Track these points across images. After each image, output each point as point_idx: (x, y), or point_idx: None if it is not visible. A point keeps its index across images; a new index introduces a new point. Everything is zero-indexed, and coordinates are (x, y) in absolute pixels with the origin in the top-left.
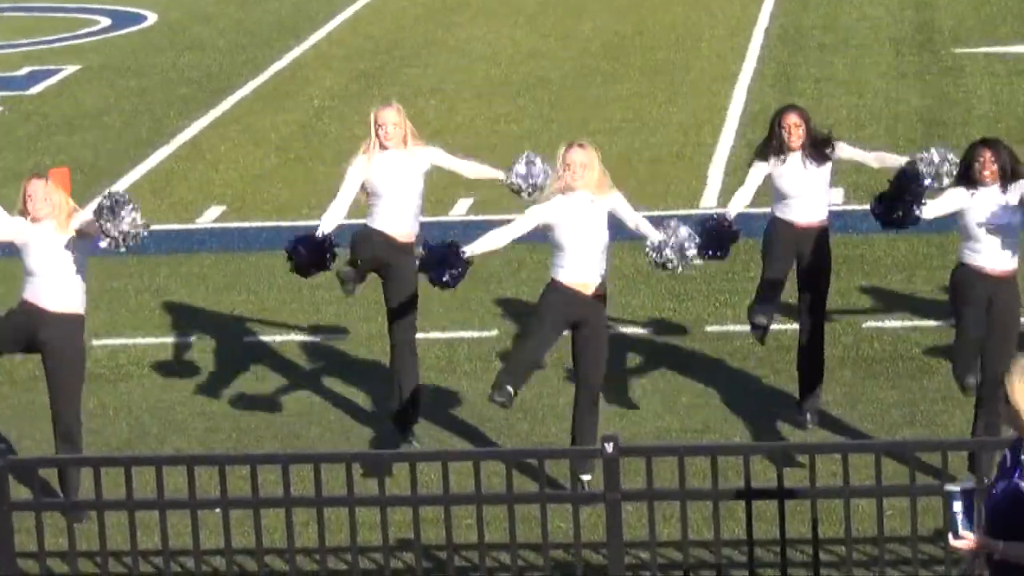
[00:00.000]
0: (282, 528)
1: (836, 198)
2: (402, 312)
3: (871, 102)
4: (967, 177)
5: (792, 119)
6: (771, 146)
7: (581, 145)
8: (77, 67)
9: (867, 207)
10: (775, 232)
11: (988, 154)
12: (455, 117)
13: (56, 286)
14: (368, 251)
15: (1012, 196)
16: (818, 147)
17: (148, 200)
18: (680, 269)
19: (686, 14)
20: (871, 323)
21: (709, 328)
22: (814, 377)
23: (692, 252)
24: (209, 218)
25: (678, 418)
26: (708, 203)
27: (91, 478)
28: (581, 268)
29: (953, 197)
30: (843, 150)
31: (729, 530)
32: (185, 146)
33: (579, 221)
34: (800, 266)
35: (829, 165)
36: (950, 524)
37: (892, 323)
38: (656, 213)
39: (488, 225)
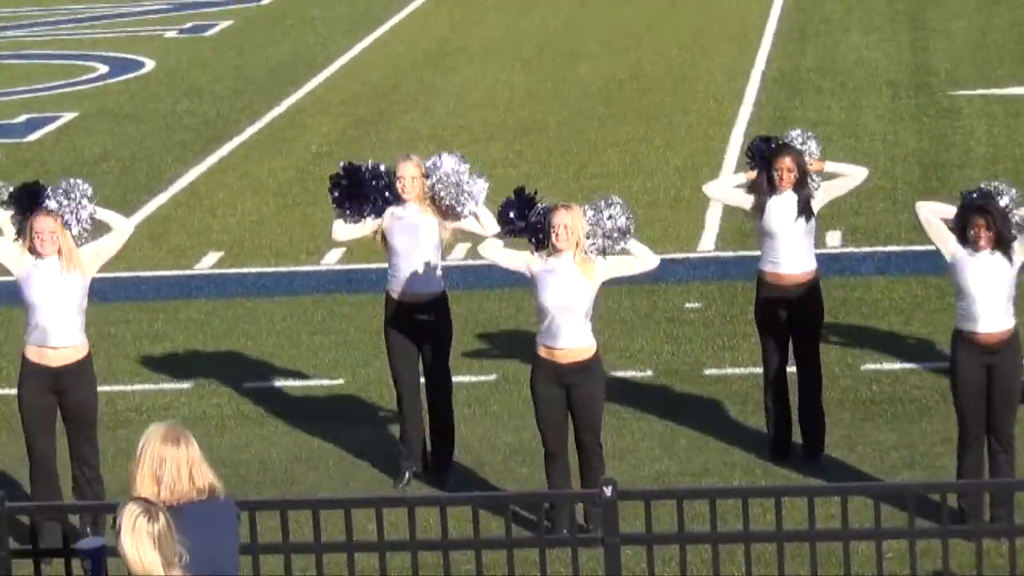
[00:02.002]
0: (281, 573)
1: (834, 241)
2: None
3: (868, 145)
4: (962, 238)
5: (786, 163)
6: (760, 184)
7: (567, 207)
8: (75, 114)
9: (864, 250)
10: (765, 297)
11: (980, 220)
12: None
13: (62, 325)
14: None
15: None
16: (806, 197)
17: (146, 247)
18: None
19: (683, 58)
20: (869, 365)
21: (707, 371)
22: (817, 428)
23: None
24: (207, 264)
25: (677, 461)
26: (706, 247)
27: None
28: (559, 336)
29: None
30: (823, 194)
31: (728, 572)
32: (183, 192)
33: (559, 286)
34: (792, 320)
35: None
36: None
37: (890, 365)
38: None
39: (486, 270)
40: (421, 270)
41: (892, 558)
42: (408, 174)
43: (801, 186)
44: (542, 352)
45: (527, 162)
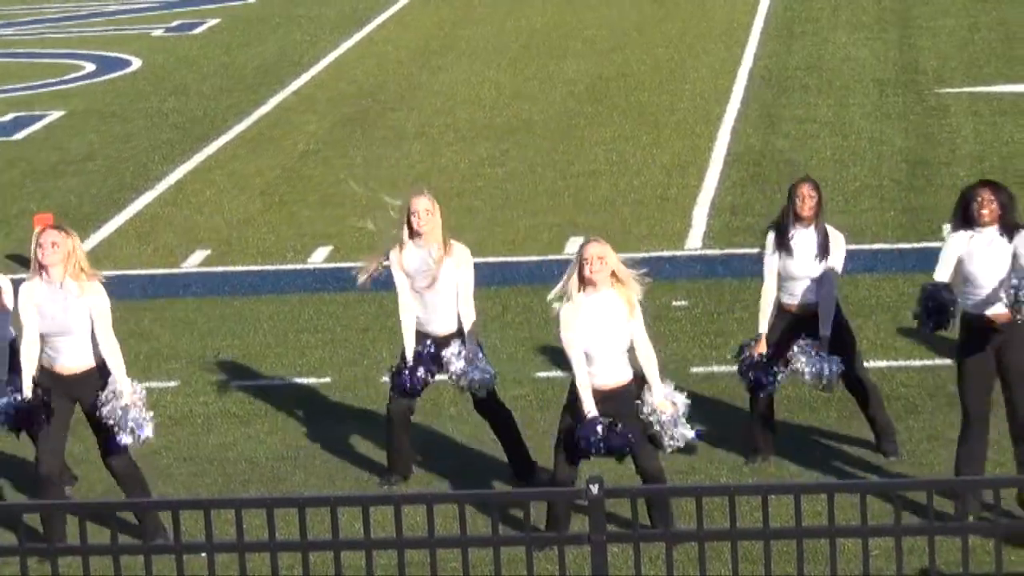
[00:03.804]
0: (267, 572)
1: None
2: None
3: (855, 143)
4: (964, 218)
5: (805, 189)
6: (782, 220)
7: (597, 240)
8: (62, 112)
9: (851, 248)
10: (778, 319)
11: (987, 193)
12: (439, 160)
13: (75, 347)
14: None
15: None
16: (824, 237)
17: (133, 245)
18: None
19: (669, 56)
20: None
21: (694, 369)
22: (880, 417)
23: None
24: (194, 263)
25: (663, 459)
26: (693, 244)
27: (75, 524)
28: (601, 372)
29: (953, 246)
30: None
31: (715, 570)
32: (170, 191)
33: (602, 324)
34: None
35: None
36: None
37: (877, 363)
38: (641, 255)
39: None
40: (440, 311)
41: (878, 555)
42: (422, 208)
43: (819, 220)
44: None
45: (513, 160)
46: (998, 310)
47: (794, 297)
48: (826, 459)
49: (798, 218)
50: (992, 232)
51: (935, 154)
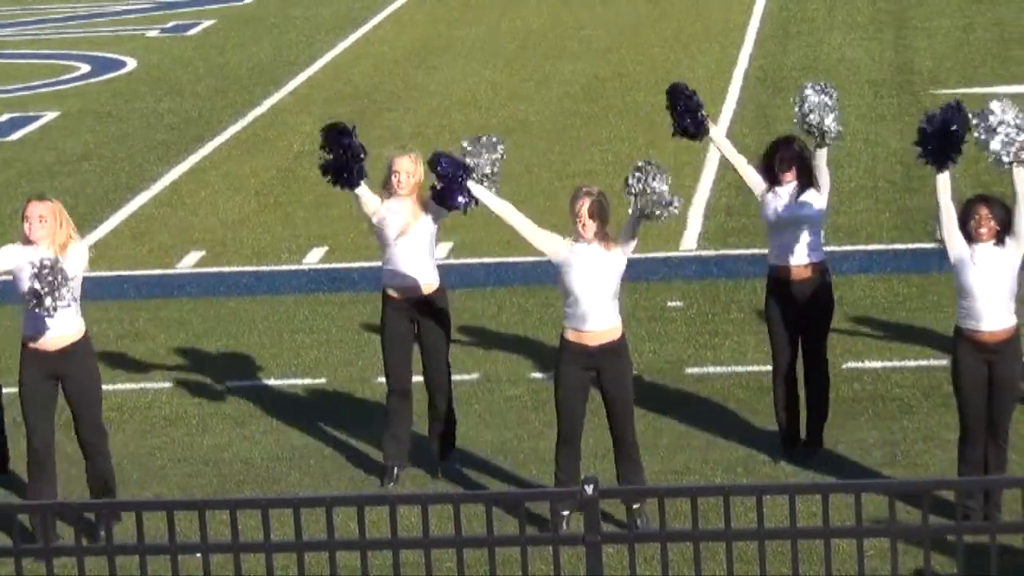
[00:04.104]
0: (263, 572)
1: None
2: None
3: (850, 144)
4: (963, 232)
5: (787, 153)
6: (767, 177)
7: (589, 193)
8: (57, 113)
9: (846, 248)
10: (773, 291)
11: (984, 210)
12: None
13: (59, 314)
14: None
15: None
16: (808, 180)
17: (128, 245)
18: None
19: (665, 56)
20: (851, 364)
21: (689, 370)
22: (818, 417)
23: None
24: (188, 263)
25: (659, 460)
26: (688, 245)
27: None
28: (587, 317)
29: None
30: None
31: (710, 571)
32: (165, 191)
33: (588, 266)
34: (799, 310)
35: (817, 199)
36: None
37: (872, 364)
38: (636, 256)
39: (468, 269)
40: (415, 264)
41: (873, 555)
42: (404, 169)
43: (806, 179)
44: (570, 336)
45: (510, 160)
46: (994, 325)
47: (782, 256)
48: (821, 459)
49: (775, 180)
50: (989, 247)
51: None
